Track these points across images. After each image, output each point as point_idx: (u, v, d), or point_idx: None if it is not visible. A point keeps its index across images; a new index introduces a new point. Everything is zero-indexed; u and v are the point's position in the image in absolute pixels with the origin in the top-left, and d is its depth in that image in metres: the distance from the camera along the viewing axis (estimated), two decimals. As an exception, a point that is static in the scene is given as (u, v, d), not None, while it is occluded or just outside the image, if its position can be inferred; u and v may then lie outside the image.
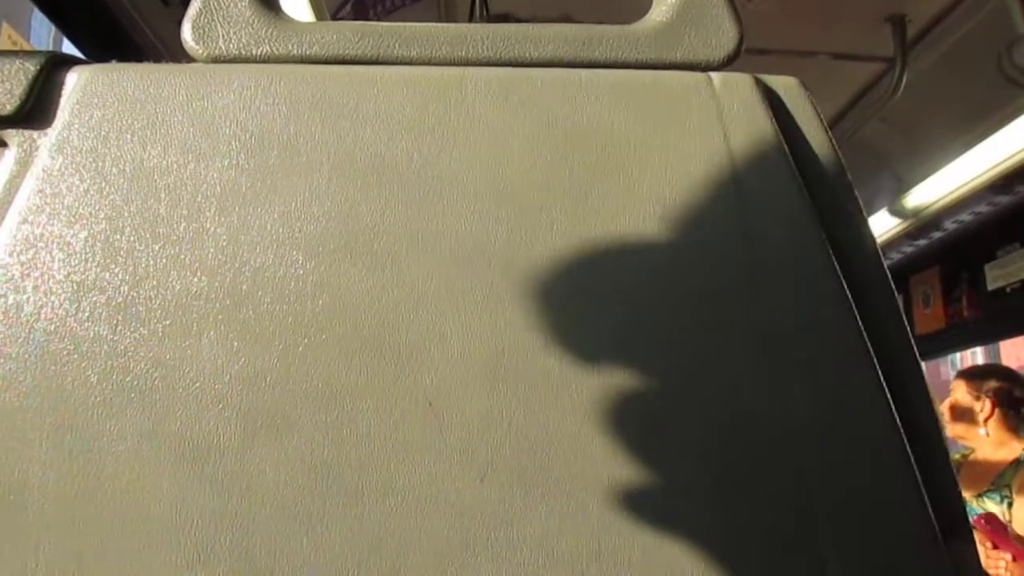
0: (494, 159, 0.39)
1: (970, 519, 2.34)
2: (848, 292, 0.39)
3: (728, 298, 0.39)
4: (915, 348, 0.42)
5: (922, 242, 3.17)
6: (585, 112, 0.40)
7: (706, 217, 0.39)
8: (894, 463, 0.38)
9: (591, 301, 0.38)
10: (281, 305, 0.38)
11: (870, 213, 3.14)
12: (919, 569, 0.37)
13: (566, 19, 0.90)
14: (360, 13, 2.26)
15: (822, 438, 0.38)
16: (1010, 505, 2.45)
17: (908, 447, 0.39)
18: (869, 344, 0.39)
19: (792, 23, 2.30)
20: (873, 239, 0.42)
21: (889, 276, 0.42)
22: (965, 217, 2.90)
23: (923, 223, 2.99)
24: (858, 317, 0.39)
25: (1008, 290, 2.88)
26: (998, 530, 2.21)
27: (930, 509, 0.38)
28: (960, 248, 3.08)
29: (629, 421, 0.38)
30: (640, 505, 0.37)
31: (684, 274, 0.39)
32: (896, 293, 0.43)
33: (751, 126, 0.40)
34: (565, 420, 0.38)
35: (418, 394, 0.37)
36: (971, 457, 2.72)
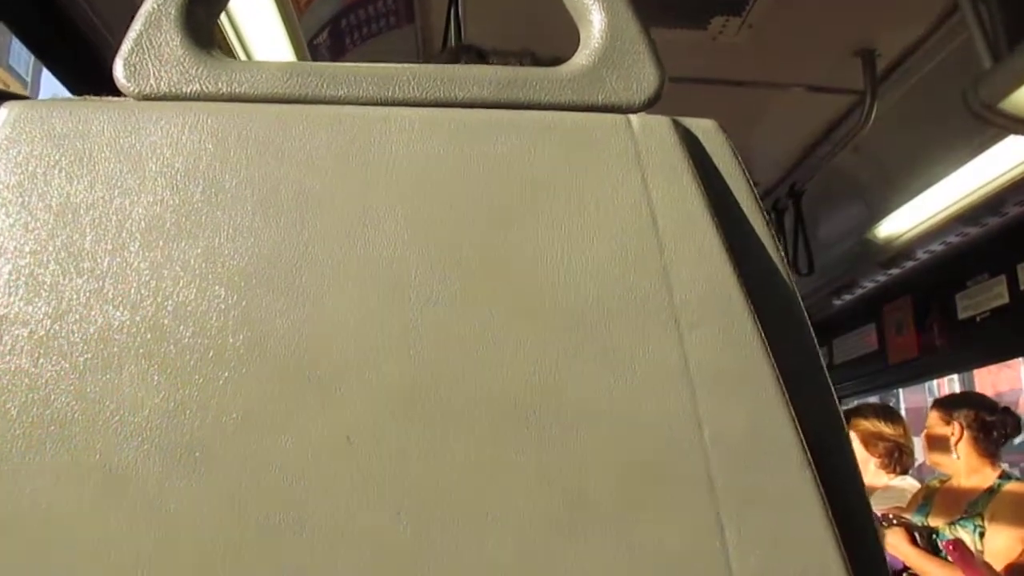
0: (415, 197, 0.40)
1: (940, 544, 2.36)
2: (764, 336, 0.40)
3: (647, 340, 0.40)
4: (834, 394, 0.43)
5: (894, 271, 3.20)
6: (505, 152, 0.41)
7: (624, 258, 0.40)
8: (806, 501, 0.39)
9: (508, 338, 0.39)
10: (202, 339, 0.38)
11: (843, 244, 3.18)
12: None
13: (528, 53, 0.92)
14: (337, 40, 2.28)
15: (735, 474, 0.39)
16: (982, 535, 2.46)
17: (820, 487, 0.39)
18: (784, 388, 0.40)
19: (763, 56, 2.34)
20: (792, 282, 0.43)
21: (807, 318, 0.43)
22: (936, 247, 2.94)
23: (895, 252, 3.02)
24: (771, 359, 0.40)
25: (978, 319, 2.91)
26: (966, 556, 2.22)
27: (842, 548, 0.39)
28: (931, 277, 3.12)
29: (547, 454, 0.38)
30: (554, 537, 0.38)
31: (602, 315, 0.40)
32: (814, 336, 0.44)
33: (669, 168, 0.41)
34: (481, 452, 0.38)
35: (337, 428, 0.38)
36: (947, 484, 2.75)
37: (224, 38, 1.76)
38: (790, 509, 0.39)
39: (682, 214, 0.41)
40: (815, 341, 0.44)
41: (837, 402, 0.43)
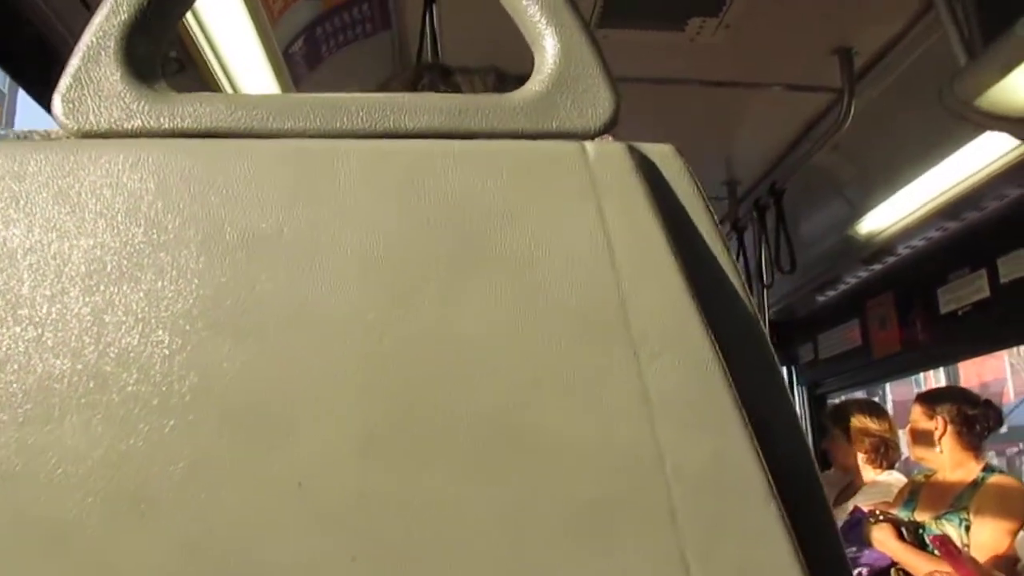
0: (365, 231, 0.39)
1: (927, 539, 2.37)
2: (724, 363, 0.39)
3: (607, 372, 0.39)
4: (798, 421, 0.42)
5: (876, 267, 3.22)
6: (457, 182, 0.40)
7: (581, 289, 0.39)
8: (772, 532, 0.38)
9: (465, 370, 0.38)
10: (146, 386, 0.37)
11: (825, 241, 3.19)
12: None
13: (492, 70, 0.91)
14: (312, 48, 2.26)
15: (699, 506, 0.38)
16: (967, 528, 2.48)
17: (786, 520, 0.39)
18: (747, 417, 0.39)
19: (741, 56, 2.34)
20: (751, 304, 0.43)
21: (769, 343, 0.43)
22: (917, 242, 2.95)
23: (877, 248, 3.04)
24: (733, 389, 0.39)
25: (960, 313, 2.93)
26: (952, 551, 2.24)
27: None
28: (913, 273, 3.13)
29: (508, 492, 0.38)
30: (519, 570, 0.37)
31: (561, 348, 0.39)
32: (777, 354, 0.43)
33: (625, 195, 0.40)
34: (439, 493, 0.37)
35: (288, 474, 0.37)
36: (932, 479, 2.76)
37: (197, 49, 1.75)
38: (756, 543, 0.38)
39: (639, 243, 0.40)
40: (777, 364, 0.43)
41: (803, 430, 0.42)
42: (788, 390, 0.43)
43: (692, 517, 0.38)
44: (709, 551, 0.38)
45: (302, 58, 2.22)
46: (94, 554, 0.36)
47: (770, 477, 0.39)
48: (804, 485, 0.41)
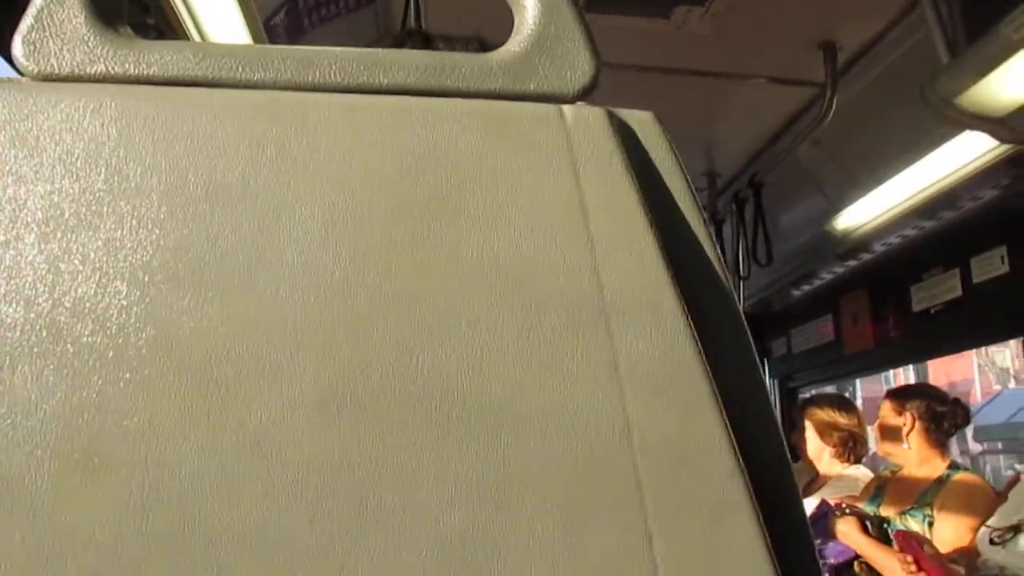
0: (334, 187, 0.38)
1: (890, 534, 2.39)
2: (695, 333, 0.39)
3: (576, 339, 0.38)
4: (767, 394, 0.42)
5: (852, 263, 3.24)
6: (431, 141, 0.39)
7: (553, 254, 0.39)
8: (738, 509, 0.38)
9: (430, 331, 0.38)
10: (102, 337, 0.36)
11: (802, 235, 3.20)
12: None
13: (477, 38, 0.90)
14: (294, 21, 2.23)
15: (665, 479, 0.37)
16: (931, 524, 2.51)
17: (752, 495, 0.38)
18: (715, 386, 0.39)
19: (726, 47, 2.34)
20: (726, 277, 0.42)
21: (741, 313, 0.42)
22: (893, 240, 2.97)
23: (853, 245, 3.05)
24: (704, 359, 0.39)
25: (932, 311, 2.95)
26: (915, 547, 2.26)
27: (774, 558, 0.38)
28: (888, 270, 3.16)
29: (471, 456, 0.37)
30: (477, 544, 0.36)
31: (529, 311, 0.38)
32: (758, 332, 0.43)
33: (602, 161, 0.40)
34: (400, 455, 0.36)
35: (245, 431, 0.36)
36: (898, 474, 2.79)
37: (178, 20, 1.72)
38: (721, 518, 0.38)
39: (615, 209, 0.39)
40: (751, 341, 0.43)
41: (773, 406, 0.42)
42: (759, 364, 0.42)
43: (658, 490, 0.37)
44: (674, 523, 0.37)
45: (284, 30, 2.19)
46: (41, 510, 0.35)
47: (738, 452, 0.39)
48: (771, 460, 0.41)
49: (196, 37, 1.79)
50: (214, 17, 1.79)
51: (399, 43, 0.93)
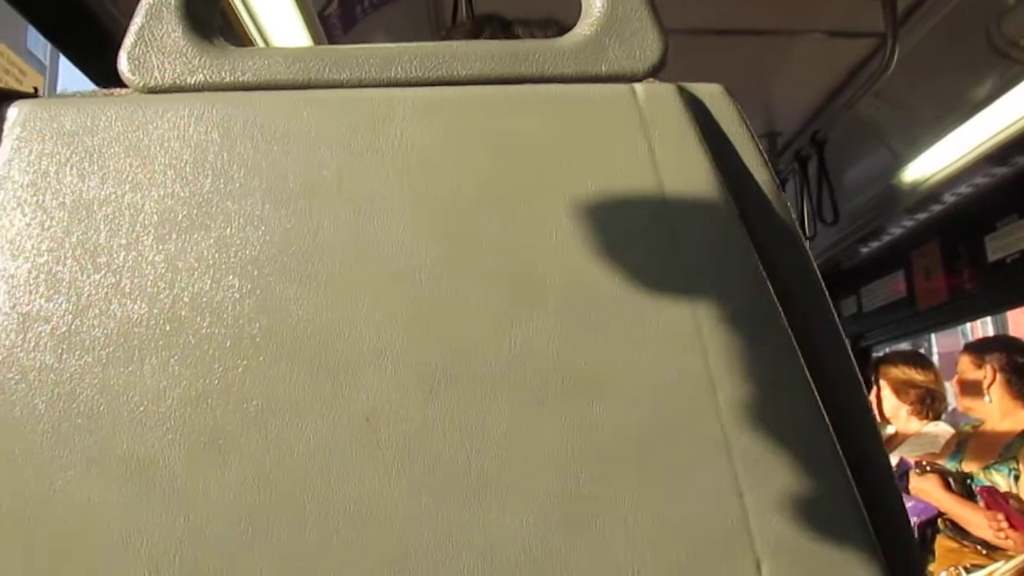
0: (422, 177, 0.40)
1: (975, 490, 2.35)
2: (774, 295, 0.40)
3: (658, 307, 0.40)
4: (848, 350, 0.43)
5: (922, 216, 3.15)
6: (510, 127, 0.41)
7: (631, 225, 0.40)
8: (825, 462, 0.39)
9: (521, 310, 0.40)
10: (219, 328, 0.39)
11: (868, 191, 3.13)
12: (851, 567, 0.38)
13: (551, 19, 0.91)
14: (347, 10, 2.26)
15: (752, 436, 0.39)
16: (1017, 478, 2.45)
17: (838, 445, 0.39)
18: (797, 346, 0.40)
19: (780, 3, 2.29)
20: (803, 242, 0.43)
21: (820, 278, 0.43)
22: (964, 189, 2.88)
23: (922, 197, 2.97)
24: (784, 319, 0.40)
25: (1008, 261, 2.86)
26: (1000, 502, 2.22)
27: (863, 508, 0.39)
28: (960, 221, 3.07)
29: (565, 425, 0.39)
30: (575, 507, 0.38)
31: (612, 284, 0.40)
32: (832, 292, 0.44)
33: (675, 135, 0.41)
34: (499, 426, 0.39)
35: (354, 410, 0.39)
36: (979, 428, 2.73)
37: (233, 12, 1.76)
38: (808, 471, 0.39)
39: (690, 181, 0.41)
40: (829, 301, 0.44)
41: (853, 360, 0.43)
42: (838, 322, 0.43)
43: (745, 448, 0.39)
44: (763, 481, 0.39)
45: (337, 20, 2.22)
46: (176, 489, 0.38)
47: (822, 407, 0.40)
48: (855, 415, 0.42)
49: (253, 32, 1.84)
50: (270, 11, 1.83)
51: (479, 28, 0.94)
